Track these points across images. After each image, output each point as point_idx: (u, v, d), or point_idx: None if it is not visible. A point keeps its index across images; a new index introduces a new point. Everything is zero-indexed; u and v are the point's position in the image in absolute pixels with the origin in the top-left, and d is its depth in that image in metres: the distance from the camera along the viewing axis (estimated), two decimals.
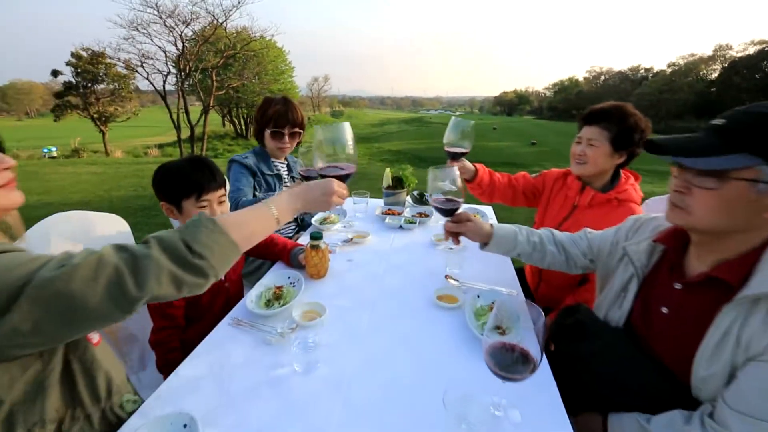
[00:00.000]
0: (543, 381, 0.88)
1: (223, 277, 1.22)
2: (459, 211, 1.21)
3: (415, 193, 2.08)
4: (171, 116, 16.91)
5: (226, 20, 15.50)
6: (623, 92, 60.39)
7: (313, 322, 1.01)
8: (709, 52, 51.13)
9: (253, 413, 0.77)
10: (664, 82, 51.22)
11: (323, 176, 0.96)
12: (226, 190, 1.24)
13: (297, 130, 1.80)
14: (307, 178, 1.31)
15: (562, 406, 0.81)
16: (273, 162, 1.83)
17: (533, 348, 0.69)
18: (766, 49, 38.30)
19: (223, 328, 1.04)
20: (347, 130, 0.97)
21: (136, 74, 17.87)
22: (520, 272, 1.78)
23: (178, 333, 1.17)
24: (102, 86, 18.27)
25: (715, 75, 47.30)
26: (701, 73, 49.95)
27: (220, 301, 1.28)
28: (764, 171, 0.71)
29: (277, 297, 1.12)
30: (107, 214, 1.44)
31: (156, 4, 13.86)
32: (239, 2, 14.77)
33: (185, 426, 0.70)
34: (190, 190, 1.13)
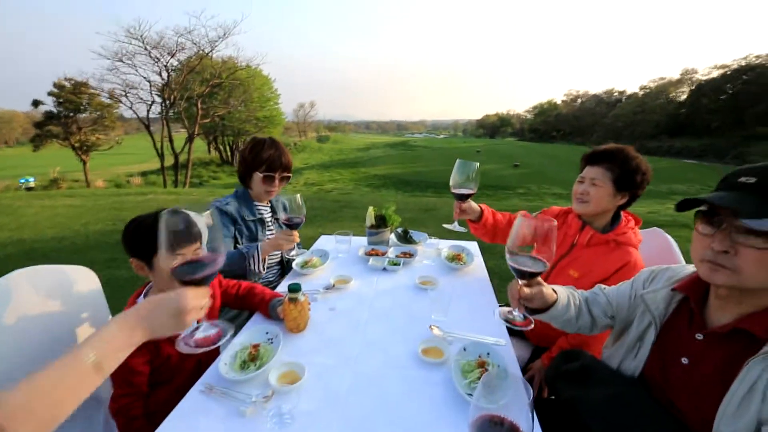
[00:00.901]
0: None
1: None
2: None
3: (400, 230, 2.06)
4: (155, 145, 16.77)
5: (212, 51, 15.71)
6: (599, 114, 62.82)
7: (290, 386, 0.95)
8: (677, 76, 54.09)
9: None
10: (637, 104, 53.65)
11: (181, 281, 0.77)
12: (201, 241, 1.19)
13: (287, 174, 1.76)
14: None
15: None
16: (256, 205, 1.78)
17: (524, 425, 0.65)
18: (728, 73, 40.63)
19: (193, 396, 0.97)
20: (201, 220, 0.79)
21: (119, 103, 17.82)
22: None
23: (140, 400, 1.09)
24: (84, 115, 18.09)
25: (683, 97, 49.77)
26: (671, 95, 52.55)
27: (193, 358, 1.20)
28: None
29: (252, 358, 1.06)
30: (77, 267, 1.36)
31: (141, 36, 14.00)
32: (225, 34, 15.06)
33: None
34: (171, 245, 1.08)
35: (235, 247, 1.65)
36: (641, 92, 57.72)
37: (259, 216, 1.77)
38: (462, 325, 1.26)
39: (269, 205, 1.86)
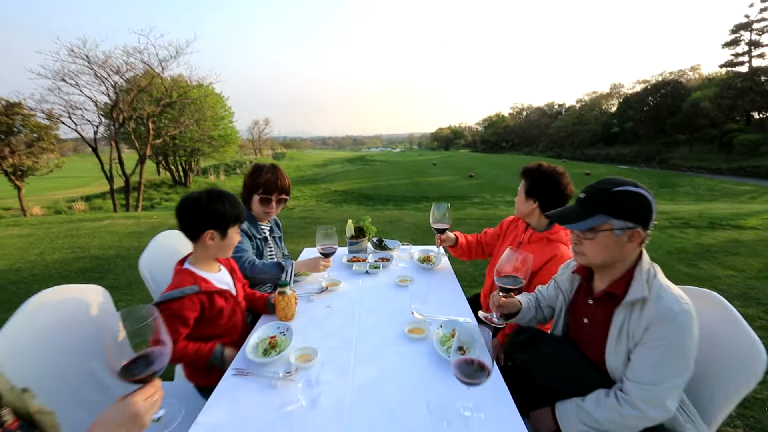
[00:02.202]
0: (498, 388, 1.14)
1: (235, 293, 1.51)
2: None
3: (375, 240, 2.35)
4: (102, 167, 15.88)
5: (162, 71, 15.31)
6: (543, 125, 67.28)
7: (310, 363, 1.20)
8: (607, 89, 59.61)
9: None
10: (575, 116, 58.25)
11: (130, 380, 0.79)
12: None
13: (284, 196, 1.97)
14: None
15: (514, 405, 1.07)
16: (259, 225, 1.98)
17: (487, 360, 0.95)
18: (648, 87, 45.52)
19: (228, 379, 1.19)
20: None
21: (60, 124, 16.72)
22: (475, 299, 2.09)
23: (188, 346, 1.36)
24: (19, 137, 16.75)
25: (614, 108, 54.84)
26: (603, 107, 57.71)
27: (241, 317, 1.53)
28: (613, 223, 1.09)
29: (272, 346, 1.29)
30: (87, 285, 1.50)
31: (86, 56, 13.39)
32: (177, 53, 14.78)
33: None
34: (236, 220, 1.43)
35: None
36: (578, 105, 62.89)
37: (263, 235, 1.99)
38: (437, 310, 1.57)
39: (269, 224, 2.08)
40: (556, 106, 73.42)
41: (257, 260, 1.80)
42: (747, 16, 37.16)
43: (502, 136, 78.19)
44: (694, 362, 1.06)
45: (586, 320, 1.28)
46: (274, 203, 1.94)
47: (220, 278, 1.49)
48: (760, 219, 6.62)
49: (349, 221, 2.24)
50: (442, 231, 2.02)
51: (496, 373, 1.19)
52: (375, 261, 2.10)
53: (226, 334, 1.47)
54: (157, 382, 0.83)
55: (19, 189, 17.10)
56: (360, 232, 2.23)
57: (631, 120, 45.10)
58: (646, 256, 1.17)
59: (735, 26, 38.01)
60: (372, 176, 30.15)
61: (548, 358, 1.31)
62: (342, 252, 2.26)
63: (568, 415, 1.17)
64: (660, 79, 46.39)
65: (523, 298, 1.50)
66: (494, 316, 1.40)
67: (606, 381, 1.17)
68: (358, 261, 2.10)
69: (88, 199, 22.74)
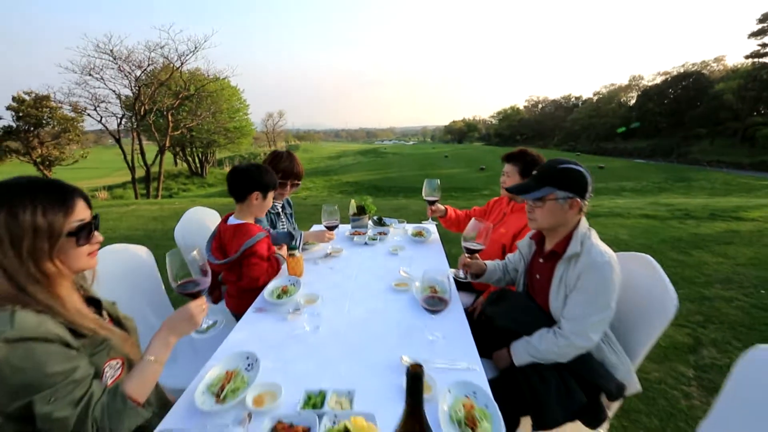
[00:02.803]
0: (460, 324, 1.44)
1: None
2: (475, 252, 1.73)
3: (375, 218, 2.66)
4: (125, 158, 16.60)
5: (182, 65, 15.83)
6: (558, 118, 66.12)
7: (313, 305, 1.53)
8: (626, 82, 58.20)
9: (285, 354, 1.27)
10: (592, 109, 57.13)
11: (183, 294, 1.12)
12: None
13: (296, 181, 2.34)
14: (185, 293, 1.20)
15: (470, 334, 1.38)
16: (274, 202, 2.33)
17: (447, 297, 1.26)
18: (668, 79, 44.30)
19: (249, 314, 1.52)
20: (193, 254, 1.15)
21: (84, 116, 17.50)
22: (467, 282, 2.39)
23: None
24: (47, 129, 17.61)
25: (632, 101, 53.61)
26: (621, 99, 56.42)
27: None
28: (557, 194, 1.37)
29: (284, 291, 1.62)
30: (136, 245, 1.87)
31: (111, 51, 13.98)
32: (195, 48, 15.27)
33: (248, 358, 1.18)
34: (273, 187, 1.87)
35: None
36: (595, 97, 61.63)
37: (277, 210, 2.35)
38: (421, 272, 1.88)
39: (281, 203, 2.44)
40: (573, 99, 72.07)
41: (272, 229, 2.14)
42: None
43: (516, 129, 77.22)
44: (615, 303, 1.34)
45: (538, 276, 1.57)
46: (288, 187, 2.30)
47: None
48: (763, 211, 6.68)
49: (352, 201, 2.56)
50: (432, 203, 2.34)
51: (461, 316, 1.50)
52: (374, 234, 2.41)
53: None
54: (203, 298, 1.15)
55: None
56: (361, 210, 2.54)
57: (650, 113, 44.05)
58: (584, 221, 1.45)
59: (762, 15, 36.59)
60: (384, 168, 30.44)
61: (508, 308, 1.61)
62: (346, 228, 2.59)
63: (519, 350, 1.47)
64: (682, 70, 45.10)
65: (490, 262, 1.79)
66: (461, 272, 1.73)
67: (550, 323, 1.47)
68: (359, 234, 2.41)
69: (109, 188, 23.69)
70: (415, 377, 0.66)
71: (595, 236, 1.43)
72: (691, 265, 4.21)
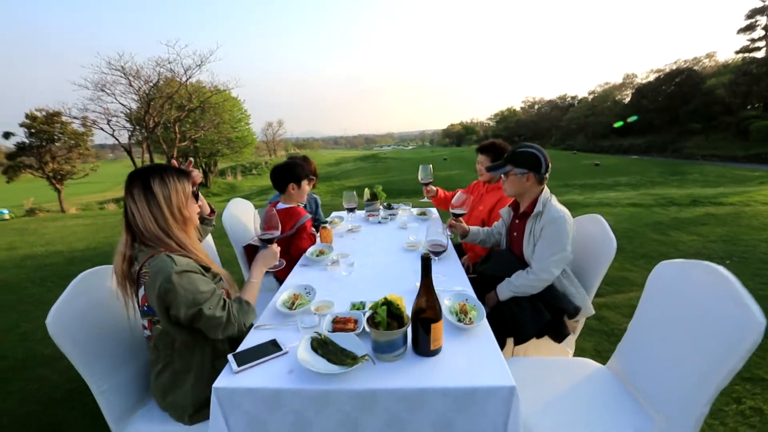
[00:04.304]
0: (456, 267, 1.93)
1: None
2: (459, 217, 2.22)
3: (385, 204, 3.15)
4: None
5: (188, 79, 16.47)
6: (555, 118, 66.69)
7: (347, 258, 2.02)
8: (620, 80, 58.92)
9: (330, 287, 1.75)
10: (588, 108, 57.74)
11: (263, 240, 1.68)
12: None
13: (312, 177, 2.83)
14: (264, 240, 1.75)
15: (464, 272, 1.86)
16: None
17: (444, 243, 1.75)
18: (661, 76, 44.98)
19: (297, 268, 2.02)
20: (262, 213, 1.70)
21: (93, 131, 18.12)
22: (459, 247, 2.87)
23: None
24: (58, 144, 18.23)
25: (627, 99, 54.24)
26: (616, 98, 57.08)
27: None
28: (515, 170, 1.87)
29: (321, 252, 2.12)
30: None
31: (122, 67, 14.64)
32: (201, 62, 15.92)
33: (305, 288, 1.67)
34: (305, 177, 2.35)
35: None
36: (590, 96, 62.32)
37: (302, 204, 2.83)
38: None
39: (305, 200, 2.92)
40: (569, 99, 72.75)
41: None
42: (763, 1, 36.49)
43: (513, 131, 77.86)
44: (570, 247, 1.82)
45: (515, 234, 2.06)
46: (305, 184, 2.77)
47: None
48: (742, 197, 7.16)
49: (366, 189, 3.06)
50: (427, 184, 2.80)
51: (456, 263, 1.99)
52: (385, 215, 2.90)
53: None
54: (276, 245, 1.69)
55: (59, 191, 18.56)
56: (374, 196, 3.04)
57: (645, 110, 44.65)
58: (546, 190, 1.94)
59: (751, 11, 37.35)
60: (384, 172, 30.93)
61: (494, 262, 2.10)
62: (360, 213, 3.08)
63: (502, 288, 1.95)
64: (674, 67, 45.80)
65: (474, 227, 2.29)
66: (448, 230, 2.21)
67: (525, 266, 1.95)
68: (373, 216, 2.91)
69: (117, 201, 24.25)
70: (425, 260, 1.15)
71: (554, 200, 1.92)
72: (668, 243, 4.68)
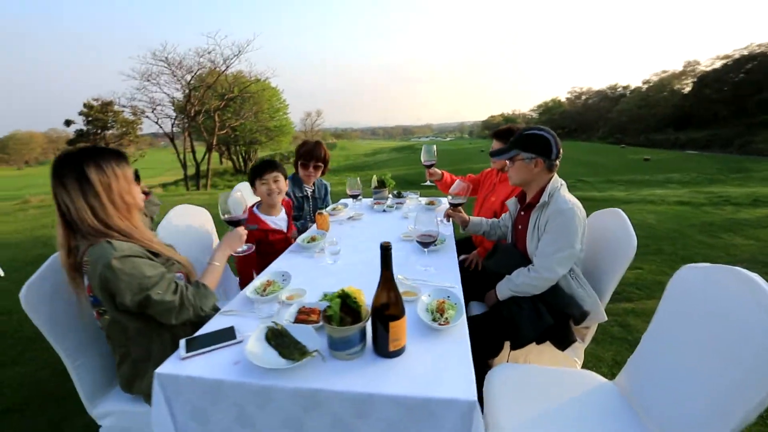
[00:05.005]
0: (450, 261, 1.77)
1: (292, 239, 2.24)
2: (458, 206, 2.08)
3: (395, 192, 3.01)
4: (178, 156, 18.10)
5: (227, 69, 17.01)
6: (603, 110, 62.78)
7: (335, 246, 1.91)
8: (680, 68, 54.15)
9: (311, 275, 1.66)
10: (641, 98, 53.76)
11: (229, 222, 1.57)
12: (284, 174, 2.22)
13: (319, 163, 2.69)
14: (229, 222, 1.64)
15: (457, 267, 1.70)
16: (303, 186, 2.73)
17: (434, 230, 1.60)
18: (728, 63, 40.77)
19: (285, 254, 1.94)
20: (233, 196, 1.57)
21: (142, 119, 19.26)
22: (469, 240, 2.68)
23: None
24: (111, 132, 19.56)
25: (687, 89, 49.85)
26: (674, 87, 52.60)
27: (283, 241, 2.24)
28: (522, 155, 1.66)
29: (313, 239, 2.03)
30: (199, 207, 2.35)
31: (166, 58, 15.38)
32: (239, 52, 16.35)
33: (283, 275, 1.58)
34: (256, 174, 2.15)
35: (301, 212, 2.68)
36: (644, 86, 57.90)
37: (305, 194, 2.74)
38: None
39: (313, 186, 2.83)
40: (620, 89, 68.06)
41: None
42: None
43: (557, 123, 74.14)
44: (580, 245, 1.61)
45: (520, 226, 1.86)
46: (311, 168, 2.66)
47: (276, 220, 2.24)
48: None
49: (374, 176, 2.94)
50: (430, 166, 2.61)
51: (452, 255, 1.83)
52: (391, 203, 2.76)
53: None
54: (243, 228, 1.62)
55: None
56: (382, 184, 2.91)
57: (707, 100, 40.81)
58: (555, 177, 1.72)
59: None
60: (418, 163, 30.41)
61: (498, 258, 1.91)
62: (367, 201, 2.96)
63: (501, 286, 1.77)
64: (745, 53, 41.30)
65: (476, 218, 2.13)
66: (444, 220, 2.09)
67: (529, 264, 1.75)
68: (380, 204, 2.78)
69: (164, 185, 25.76)
70: (385, 249, 1.02)
71: (564, 190, 1.70)
72: (717, 246, 4.19)
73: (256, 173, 2.14)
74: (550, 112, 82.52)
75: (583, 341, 1.79)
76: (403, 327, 1.06)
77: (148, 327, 1.27)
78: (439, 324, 1.20)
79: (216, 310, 1.41)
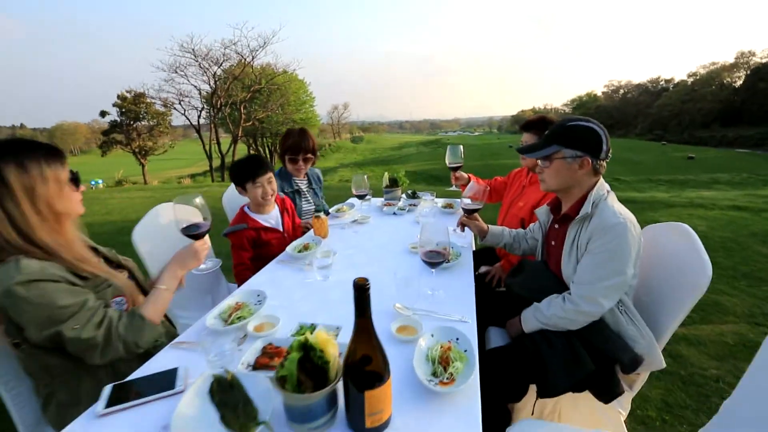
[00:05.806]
0: (464, 282, 1.44)
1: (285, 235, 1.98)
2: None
3: (409, 191, 2.68)
4: (204, 147, 18.40)
5: (253, 60, 17.05)
6: (642, 104, 59.50)
7: (327, 259, 1.62)
8: (731, 60, 50.26)
9: (293, 295, 1.38)
10: (686, 92, 50.43)
11: (188, 235, 1.24)
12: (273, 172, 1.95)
13: (309, 156, 2.36)
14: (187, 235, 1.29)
15: (473, 291, 1.37)
16: (293, 179, 2.41)
17: (444, 246, 1.28)
18: None
19: (272, 264, 1.67)
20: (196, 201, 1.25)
21: (173, 111, 19.72)
22: (492, 251, 2.32)
23: (249, 270, 1.81)
24: (143, 123, 20.14)
25: (739, 82, 46.26)
26: (724, 81, 48.95)
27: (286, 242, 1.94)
28: (564, 152, 1.30)
29: (306, 248, 1.75)
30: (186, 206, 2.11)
31: (193, 50, 15.56)
32: (265, 43, 16.33)
33: (258, 295, 1.31)
34: (248, 177, 1.83)
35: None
36: (690, 79, 54.20)
37: (296, 188, 2.41)
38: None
39: (306, 179, 2.51)
40: (662, 82, 64.17)
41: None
42: None
43: (592, 117, 71.00)
44: (633, 269, 1.25)
45: (553, 242, 1.50)
46: (300, 162, 2.35)
47: (268, 218, 1.97)
48: None
49: (386, 173, 2.62)
50: (455, 169, 2.31)
51: (468, 275, 1.50)
52: (403, 205, 2.44)
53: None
54: (206, 239, 1.29)
55: (143, 165, 20.60)
56: (394, 183, 2.59)
57: (762, 95, 37.66)
58: (601, 182, 1.36)
59: None
60: (443, 158, 29.81)
61: (524, 278, 1.56)
62: (377, 200, 2.65)
63: (528, 316, 1.43)
64: None
65: (497, 227, 1.78)
66: (458, 229, 1.76)
67: (564, 290, 1.40)
68: (390, 205, 2.46)
69: (193, 176, 26.45)
70: (359, 289, 0.71)
71: (612, 198, 1.33)
72: None
73: (248, 175, 1.86)
74: (585, 106, 78.97)
75: (631, 389, 1.42)
76: (386, 394, 0.75)
77: (75, 364, 1.02)
78: (441, 384, 0.88)
79: (171, 338, 1.16)
